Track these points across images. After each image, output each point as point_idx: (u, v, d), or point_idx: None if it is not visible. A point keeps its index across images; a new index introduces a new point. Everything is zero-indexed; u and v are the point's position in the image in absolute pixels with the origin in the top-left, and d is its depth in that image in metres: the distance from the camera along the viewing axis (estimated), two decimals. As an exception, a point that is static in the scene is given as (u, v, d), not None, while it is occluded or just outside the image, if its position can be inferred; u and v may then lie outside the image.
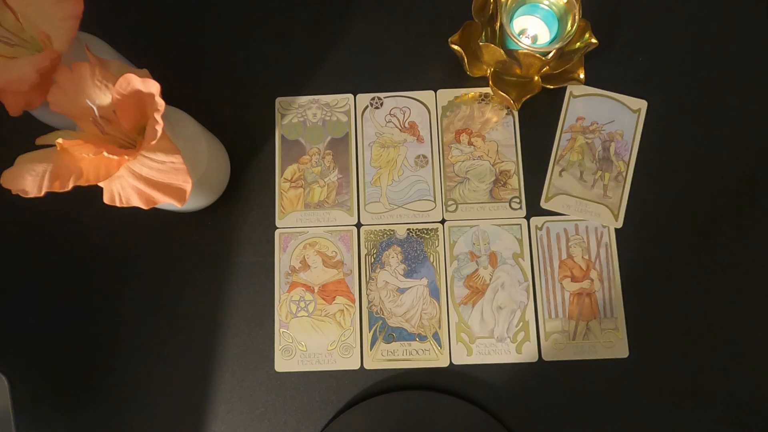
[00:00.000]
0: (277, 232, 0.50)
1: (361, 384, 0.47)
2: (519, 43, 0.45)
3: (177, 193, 0.35)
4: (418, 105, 0.52)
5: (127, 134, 0.37)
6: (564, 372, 0.46)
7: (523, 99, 0.49)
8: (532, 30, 0.48)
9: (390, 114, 0.52)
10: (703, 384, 0.46)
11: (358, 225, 0.50)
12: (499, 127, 0.51)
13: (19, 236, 0.50)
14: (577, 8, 0.45)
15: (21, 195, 0.33)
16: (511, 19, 0.47)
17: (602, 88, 0.51)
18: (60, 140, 0.33)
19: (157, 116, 0.33)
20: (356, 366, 0.47)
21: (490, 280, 0.48)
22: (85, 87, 0.35)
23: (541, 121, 0.51)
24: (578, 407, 0.46)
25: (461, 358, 0.47)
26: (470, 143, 0.51)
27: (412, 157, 0.51)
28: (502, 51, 0.45)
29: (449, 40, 0.49)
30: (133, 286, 0.49)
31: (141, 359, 0.48)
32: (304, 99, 0.52)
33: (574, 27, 0.45)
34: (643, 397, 0.46)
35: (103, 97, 0.35)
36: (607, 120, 0.51)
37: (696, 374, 0.46)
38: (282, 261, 0.49)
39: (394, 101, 0.52)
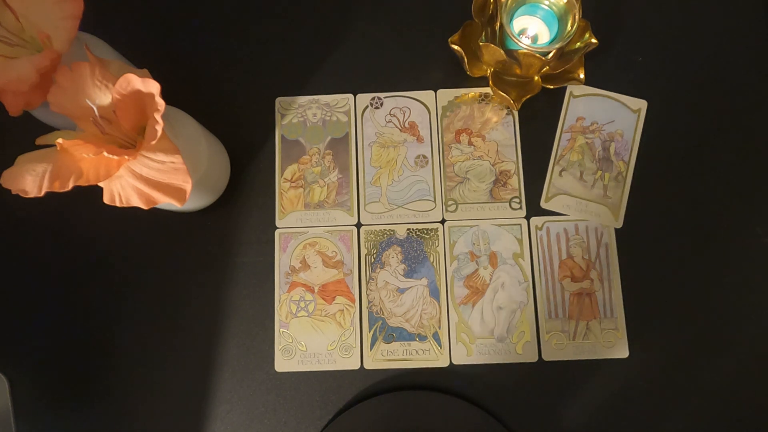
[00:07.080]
0: (277, 232, 0.50)
1: (361, 384, 0.47)
2: (519, 43, 0.45)
3: (177, 193, 0.35)
4: (418, 105, 0.52)
5: (127, 134, 0.37)
6: (564, 372, 0.46)
7: (523, 99, 0.49)
8: (532, 30, 0.48)
9: (390, 114, 0.52)
10: (703, 384, 0.46)
11: (358, 225, 0.50)
12: (499, 127, 0.51)
13: (19, 236, 0.50)
14: (577, 8, 0.45)
15: (21, 195, 0.33)
16: (511, 19, 0.47)
17: (602, 88, 0.51)
18: (60, 140, 0.33)
19: (157, 116, 0.33)
20: (356, 366, 0.47)
21: (490, 280, 0.48)
22: (85, 87, 0.35)
23: (541, 121, 0.51)
24: (578, 407, 0.46)
25: (461, 358, 0.47)
26: (470, 143, 0.51)
27: (412, 157, 0.51)
28: (502, 51, 0.45)
29: (449, 40, 0.49)
30: (132, 286, 0.49)
31: (141, 359, 0.48)
32: (304, 99, 0.52)
33: (574, 27, 0.45)
34: (643, 397, 0.46)
35: (103, 97, 0.35)
36: (607, 120, 0.51)
37: (696, 374, 0.46)
38: (282, 261, 0.49)
39: (394, 101, 0.52)
